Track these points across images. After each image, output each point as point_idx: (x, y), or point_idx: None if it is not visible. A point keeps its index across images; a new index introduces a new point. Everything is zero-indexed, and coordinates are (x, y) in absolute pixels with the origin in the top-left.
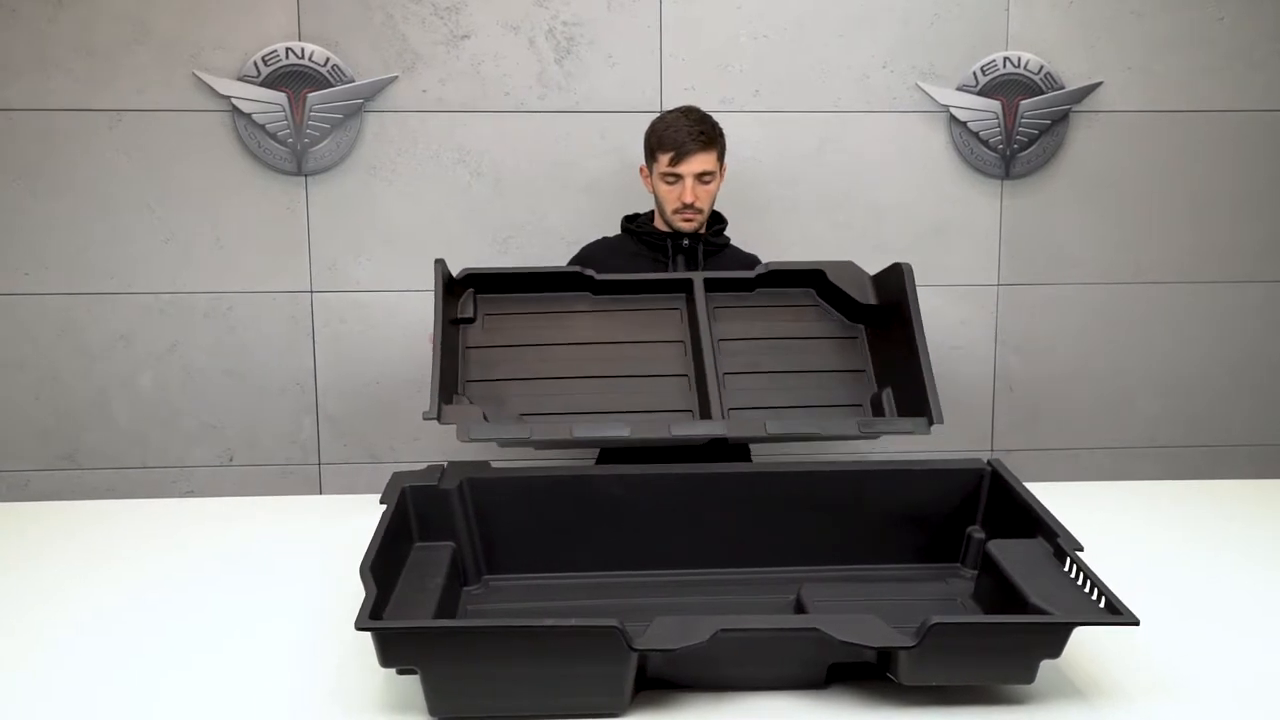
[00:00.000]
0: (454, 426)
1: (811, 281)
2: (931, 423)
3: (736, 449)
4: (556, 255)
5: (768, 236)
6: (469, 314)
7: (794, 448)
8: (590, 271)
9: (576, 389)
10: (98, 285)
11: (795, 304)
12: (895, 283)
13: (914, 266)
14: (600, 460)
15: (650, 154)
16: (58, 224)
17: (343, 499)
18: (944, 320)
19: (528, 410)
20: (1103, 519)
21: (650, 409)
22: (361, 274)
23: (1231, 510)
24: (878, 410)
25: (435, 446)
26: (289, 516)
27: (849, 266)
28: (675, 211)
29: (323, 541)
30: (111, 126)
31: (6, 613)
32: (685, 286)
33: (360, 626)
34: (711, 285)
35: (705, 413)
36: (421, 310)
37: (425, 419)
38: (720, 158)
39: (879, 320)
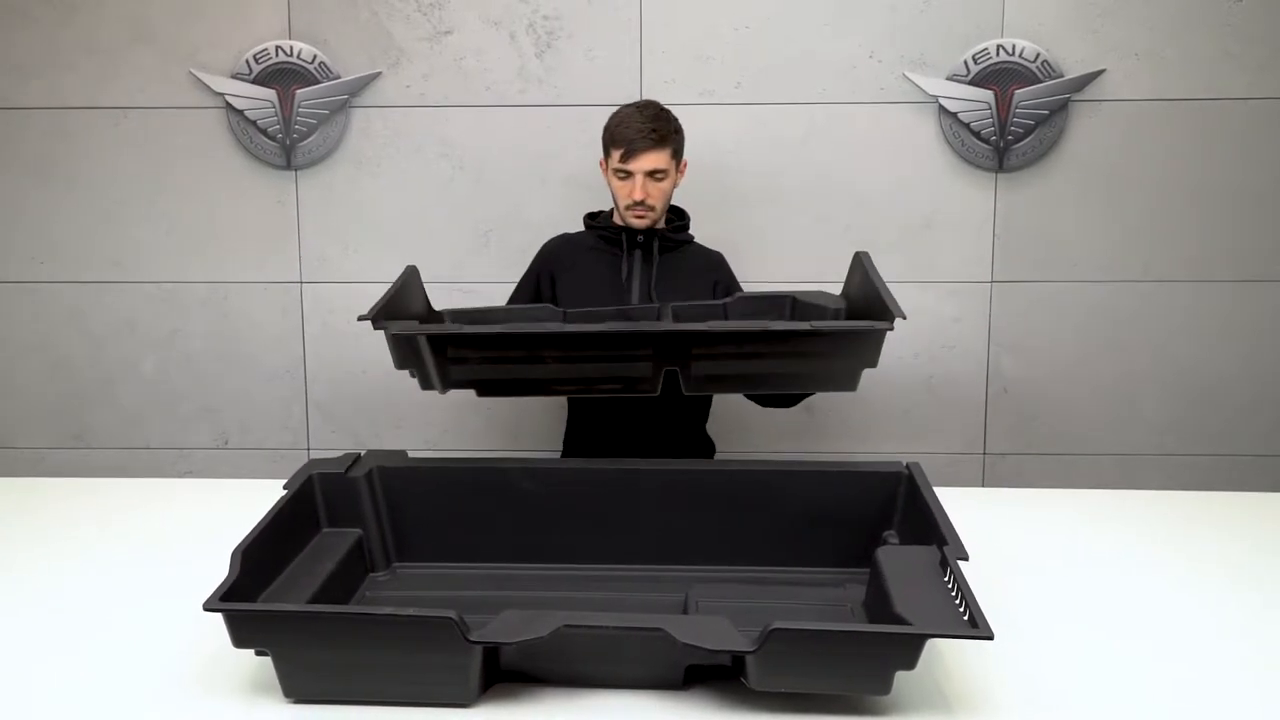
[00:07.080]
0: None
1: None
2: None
3: (700, 444)
4: (536, 247)
5: (750, 232)
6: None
7: (760, 444)
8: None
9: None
10: (104, 274)
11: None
12: (857, 279)
13: (903, 262)
14: (569, 435)
15: (605, 148)
16: (68, 215)
17: None
18: (935, 318)
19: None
20: (1061, 527)
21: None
22: (349, 265)
23: (1218, 520)
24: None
25: (419, 433)
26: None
27: (820, 297)
28: (627, 208)
29: None
30: (117, 123)
31: None
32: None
33: (208, 607)
34: (683, 316)
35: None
36: None
37: (359, 320)
38: (676, 155)
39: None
